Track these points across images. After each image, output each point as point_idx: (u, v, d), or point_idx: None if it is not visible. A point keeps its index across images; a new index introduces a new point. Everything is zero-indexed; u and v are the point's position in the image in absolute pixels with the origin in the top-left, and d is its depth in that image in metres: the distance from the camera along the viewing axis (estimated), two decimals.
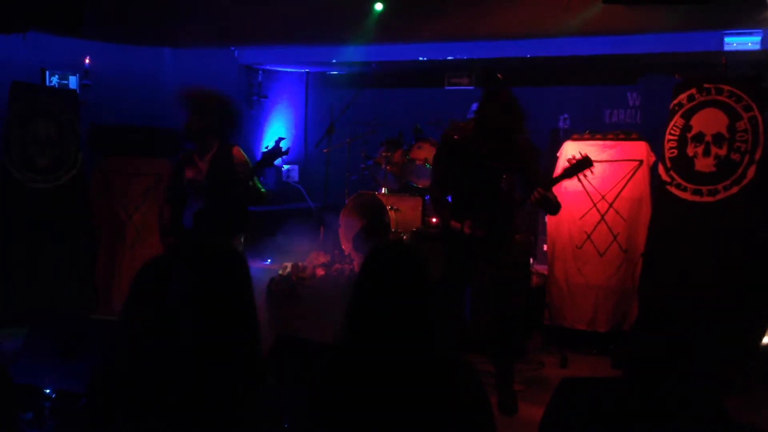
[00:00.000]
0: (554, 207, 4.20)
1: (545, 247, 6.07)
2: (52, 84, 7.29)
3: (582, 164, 4.11)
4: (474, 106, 4.22)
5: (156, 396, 1.94)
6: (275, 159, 4.28)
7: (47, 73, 7.30)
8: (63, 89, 7.16)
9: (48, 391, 3.15)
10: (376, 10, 6.26)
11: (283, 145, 4.29)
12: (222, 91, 4.49)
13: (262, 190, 4.44)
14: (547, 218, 5.84)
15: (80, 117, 6.04)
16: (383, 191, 6.97)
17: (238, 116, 4.53)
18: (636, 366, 1.97)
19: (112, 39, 7.76)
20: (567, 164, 4.20)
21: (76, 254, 5.87)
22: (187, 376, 1.95)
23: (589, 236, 5.52)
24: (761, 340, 4.89)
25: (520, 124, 4.05)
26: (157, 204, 6.01)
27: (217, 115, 4.38)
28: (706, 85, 4.91)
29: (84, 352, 3.34)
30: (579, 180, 4.96)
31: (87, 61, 7.51)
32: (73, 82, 7.49)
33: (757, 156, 4.74)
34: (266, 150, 4.30)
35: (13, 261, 5.60)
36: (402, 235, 6.42)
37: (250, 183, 4.35)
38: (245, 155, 4.50)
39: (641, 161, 5.44)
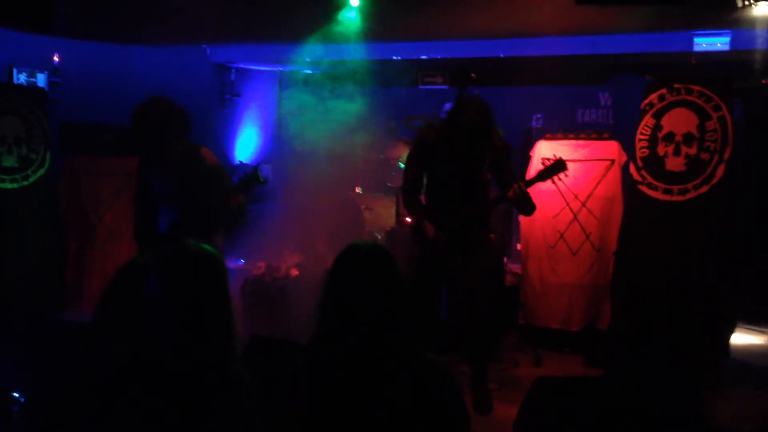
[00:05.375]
0: (530, 207, 4.21)
1: (519, 246, 6.10)
2: (20, 82, 7.16)
3: (555, 167, 4.14)
4: (447, 106, 4.24)
5: (130, 398, 1.91)
6: (253, 187, 4.00)
7: (15, 70, 7.17)
8: (31, 87, 7.04)
9: (17, 395, 3.09)
10: (352, 6, 6.24)
11: (260, 172, 4.01)
12: (159, 95, 4.21)
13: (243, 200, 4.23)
14: (521, 218, 5.87)
15: (49, 115, 5.94)
16: (358, 190, 6.95)
17: (185, 115, 4.24)
18: (612, 365, 1.99)
19: (82, 36, 7.64)
20: (541, 166, 4.22)
21: (45, 254, 5.78)
22: (163, 377, 1.92)
23: (562, 235, 5.56)
24: (731, 337, 4.96)
25: (491, 127, 4.10)
26: (129, 204, 5.94)
27: (173, 119, 4.04)
28: (676, 85, 4.96)
29: (53, 354, 3.28)
30: (552, 180, 4.99)
31: (56, 58, 7.39)
32: (41, 79, 7.37)
33: (726, 155, 4.80)
34: (244, 176, 4.02)
35: None
36: (376, 234, 6.41)
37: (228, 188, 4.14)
38: (214, 156, 4.31)
39: (613, 161, 5.49)
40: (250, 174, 3.98)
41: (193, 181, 4.08)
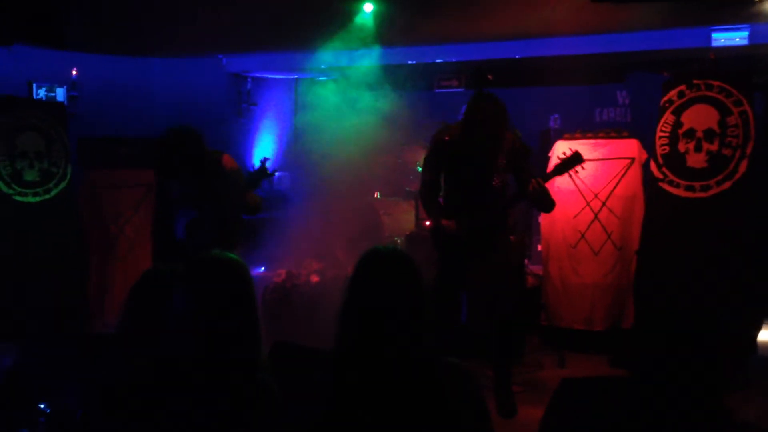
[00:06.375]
0: (549, 202, 4.19)
1: (540, 248, 6.06)
2: (40, 97, 7.24)
3: (573, 160, 4.11)
4: (464, 109, 4.25)
5: (157, 408, 1.91)
6: (261, 180, 4.37)
7: (34, 85, 7.25)
8: (50, 102, 7.11)
9: (42, 406, 3.11)
10: (366, 13, 6.26)
11: (268, 165, 4.35)
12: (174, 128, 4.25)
13: (258, 198, 4.44)
14: (541, 218, 5.84)
15: (68, 129, 6.00)
16: (376, 195, 6.95)
17: (198, 138, 4.36)
18: (637, 365, 1.96)
19: (98, 50, 7.71)
20: (558, 161, 4.20)
21: (67, 268, 5.83)
22: (190, 386, 1.93)
23: (583, 235, 5.52)
24: (757, 335, 4.89)
25: (506, 124, 4.12)
26: (149, 215, 5.97)
27: (187, 146, 4.16)
28: (695, 81, 4.91)
29: (79, 366, 3.30)
30: (571, 178, 4.95)
31: (74, 72, 7.46)
32: (60, 94, 7.44)
33: (749, 150, 4.74)
34: (252, 171, 4.34)
35: (3, 275, 5.55)
36: (395, 238, 6.40)
37: (245, 191, 4.34)
38: (235, 162, 4.45)
39: (633, 159, 5.45)
40: (258, 169, 4.34)
41: (211, 185, 4.21)
